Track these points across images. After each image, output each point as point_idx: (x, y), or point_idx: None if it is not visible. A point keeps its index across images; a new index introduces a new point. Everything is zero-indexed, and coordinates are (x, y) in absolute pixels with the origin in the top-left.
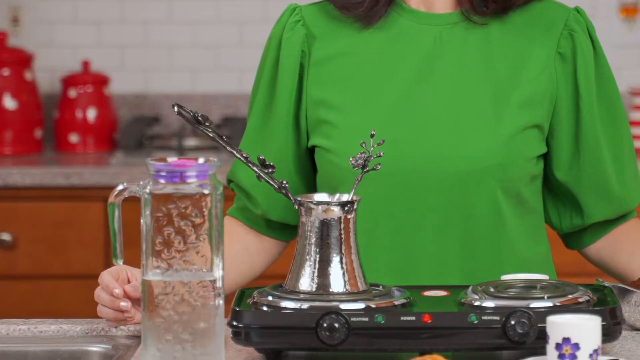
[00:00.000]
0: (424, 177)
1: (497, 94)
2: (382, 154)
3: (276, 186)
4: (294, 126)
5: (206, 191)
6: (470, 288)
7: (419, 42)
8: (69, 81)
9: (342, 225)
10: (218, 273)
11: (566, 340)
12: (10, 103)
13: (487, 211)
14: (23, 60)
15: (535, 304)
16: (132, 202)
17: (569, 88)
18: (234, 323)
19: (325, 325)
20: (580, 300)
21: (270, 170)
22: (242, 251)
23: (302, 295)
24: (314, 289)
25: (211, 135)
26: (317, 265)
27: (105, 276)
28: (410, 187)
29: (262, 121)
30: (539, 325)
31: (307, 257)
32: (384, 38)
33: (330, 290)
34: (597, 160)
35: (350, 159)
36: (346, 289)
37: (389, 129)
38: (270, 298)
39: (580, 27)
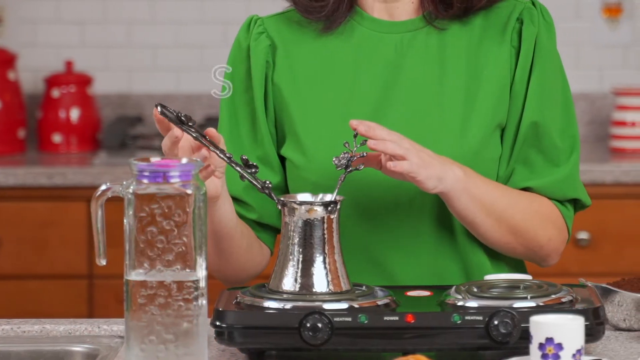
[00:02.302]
0: (394, 186)
1: (461, 98)
2: (365, 154)
3: (259, 186)
4: (275, 132)
5: (189, 191)
6: (454, 288)
7: (380, 52)
8: (52, 81)
9: (325, 225)
10: (201, 273)
11: (549, 340)
12: None
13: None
14: (6, 60)
15: (518, 304)
16: (115, 202)
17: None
18: (217, 323)
19: (308, 325)
20: (563, 300)
21: (253, 170)
22: (255, 242)
23: (285, 295)
24: (297, 289)
25: (194, 135)
26: (300, 266)
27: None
28: (380, 196)
29: (250, 129)
30: (522, 325)
31: (291, 257)
32: (345, 48)
33: (314, 290)
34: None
35: (334, 159)
36: (329, 289)
37: (356, 140)
38: (253, 298)
39: (529, 18)
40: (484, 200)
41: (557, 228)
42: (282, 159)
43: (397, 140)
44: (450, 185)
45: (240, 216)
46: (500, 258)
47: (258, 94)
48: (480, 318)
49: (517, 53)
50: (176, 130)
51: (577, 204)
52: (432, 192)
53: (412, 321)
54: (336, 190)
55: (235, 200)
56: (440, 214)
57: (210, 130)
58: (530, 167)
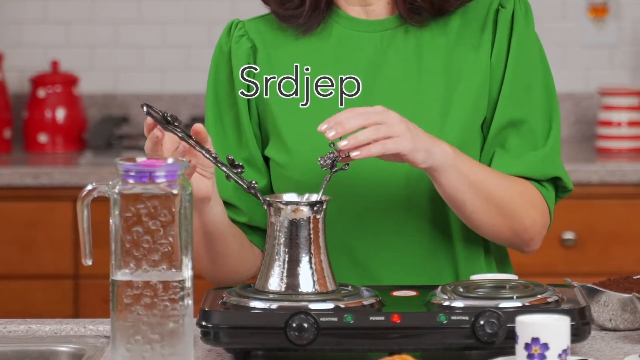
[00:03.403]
0: (379, 186)
1: (440, 95)
2: (349, 154)
3: (245, 186)
4: (259, 134)
5: (175, 191)
6: (440, 288)
7: (360, 51)
8: (38, 81)
9: (311, 226)
10: (187, 273)
11: (535, 340)
12: None
13: (440, 211)
14: None
15: (504, 304)
16: (101, 202)
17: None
18: (203, 323)
19: (294, 325)
20: (549, 300)
21: (239, 170)
22: (247, 245)
23: (271, 295)
24: (283, 289)
25: (180, 135)
26: (286, 266)
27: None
28: (364, 196)
29: (235, 131)
30: (508, 325)
31: (276, 257)
32: (325, 47)
33: (300, 290)
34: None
35: (319, 159)
36: (315, 289)
37: (334, 146)
38: (239, 298)
39: (505, 5)
40: (472, 179)
41: (540, 210)
42: (268, 161)
43: (379, 119)
44: (440, 160)
45: (231, 219)
46: (484, 257)
47: (241, 97)
48: (466, 318)
49: (493, 42)
50: (157, 131)
51: (558, 187)
52: (421, 166)
53: (398, 321)
54: (322, 190)
55: (226, 204)
56: (426, 214)
57: (198, 126)
58: (508, 150)
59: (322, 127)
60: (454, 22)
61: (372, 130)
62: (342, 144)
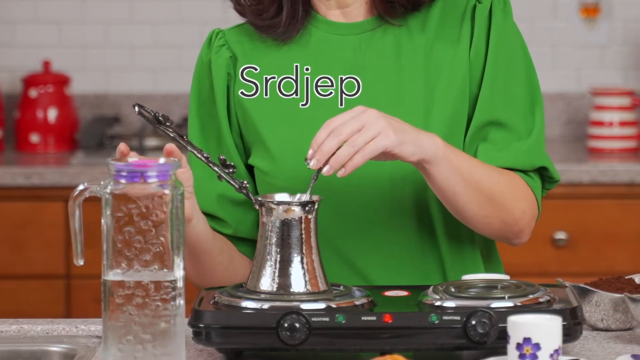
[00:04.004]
0: (367, 186)
1: (421, 94)
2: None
3: (237, 186)
4: (241, 144)
5: (167, 191)
6: (431, 288)
7: (339, 54)
8: (30, 81)
9: (303, 225)
10: (179, 273)
11: (527, 340)
12: None
13: (424, 211)
14: None
15: (496, 304)
16: (93, 202)
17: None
18: (195, 323)
19: (286, 325)
20: (541, 300)
21: (231, 170)
22: (236, 256)
23: (262, 296)
24: (274, 289)
25: (172, 135)
26: (277, 265)
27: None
28: (353, 197)
29: (218, 142)
30: (500, 325)
31: (268, 257)
32: (305, 52)
33: (291, 290)
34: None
35: (307, 159)
36: (307, 289)
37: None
38: (230, 298)
39: (482, 6)
40: (463, 170)
41: (528, 201)
42: (250, 169)
43: (356, 125)
44: (430, 153)
45: (217, 232)
46: (476, 257)
47: (221, 107)
48: (458, 318)
49: (471, 38)
50: (122, 145)
51: (544, 178)
52: (411, 159)
53: (390, 321)
54: (309, 190)
55: (210, 216)
56: (410, 214)
57: (170, 146)
58: (492, 142)
59: (308, 157)
60: (433, 16)
61: (349, 145)
62: (325, 169)
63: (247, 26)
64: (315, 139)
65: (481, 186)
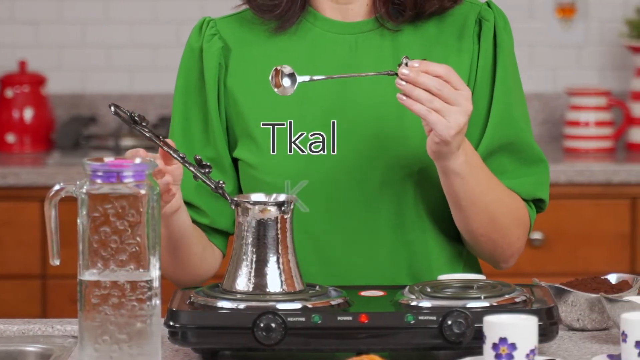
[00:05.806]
0: (350, 187)
1: None
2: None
3: (213, 186)
4: (226, 135)
5: (143, 191)
6: (407, 288)
7: (334, 52)
8: (6, 81)
9: (279, 225)
10: (154, 273)
11: (503, 340)
12: None
13: (414, 212)
14: None
15: (472, 304)
16: (69, 202)
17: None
18: (171, 323)
19: (261, 325)
20: (517, 300)
21: (207, 170)
22: (208, 246)
23: (238, 295)
24: (250, 289)
25: (148, 135)
26: (253, 265)
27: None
28: (337, 196)
29: (203, 131)
30: (476, 325)
31: (244, 257)
32: (299, 48)
33: (267, 290)
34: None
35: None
36: (283, 289)
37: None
38: (206, 298)
39: (486, 19)
40: (475, 189)
41: (524, 228)
42: (234, 162)
43: (455, 101)
44: (453, 166)
45: (193, 220)
46: (456, 259)
47: (211, 96)
48: (434, 318)
49: (477, 54)
50: (141, 151)
51: (538, 207)
52: (436, 160)
53: (366, 321)
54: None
55: (188, 204)
56: (396, 215)
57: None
58: (502, 173)
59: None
60: (430, 29)
61: (428, 98)
62: (404, 71)
63: (239, 16)
64: (420, 80)
65: (487, 208)
